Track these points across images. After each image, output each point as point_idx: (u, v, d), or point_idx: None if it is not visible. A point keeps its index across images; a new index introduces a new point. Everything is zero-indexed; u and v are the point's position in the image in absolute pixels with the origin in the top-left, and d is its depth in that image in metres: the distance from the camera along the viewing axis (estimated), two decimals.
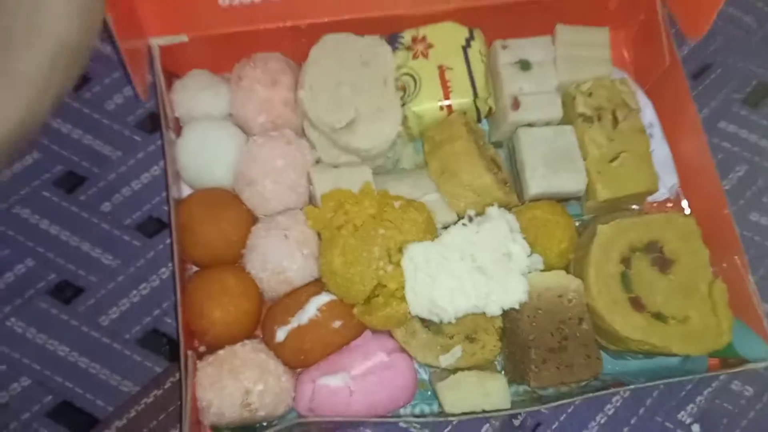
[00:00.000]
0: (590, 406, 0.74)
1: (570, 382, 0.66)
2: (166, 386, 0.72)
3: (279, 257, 0.69)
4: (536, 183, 0.74)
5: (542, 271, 0.70)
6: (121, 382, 0.72)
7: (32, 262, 0.75)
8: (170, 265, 0.76)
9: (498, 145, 0.82)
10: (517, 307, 0.66)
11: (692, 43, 0.93)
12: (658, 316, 0.68)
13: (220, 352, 0.66)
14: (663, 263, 0.70)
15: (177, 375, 0.71)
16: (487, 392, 0.66)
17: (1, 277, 0.74)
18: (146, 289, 0.75)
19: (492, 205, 0.70)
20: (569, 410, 0.74)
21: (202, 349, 0.68)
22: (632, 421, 0.74)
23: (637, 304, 0.68)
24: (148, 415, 0.70)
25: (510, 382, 0.69)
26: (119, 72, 0.83)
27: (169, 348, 0.73)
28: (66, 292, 0.75)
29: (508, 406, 0.67)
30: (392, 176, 0.76)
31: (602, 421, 0.74)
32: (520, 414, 0.72)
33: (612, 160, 0.76)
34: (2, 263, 0.75)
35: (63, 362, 0.72)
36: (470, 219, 0.69)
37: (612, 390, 0.68)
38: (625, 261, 0.69)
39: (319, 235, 0.71)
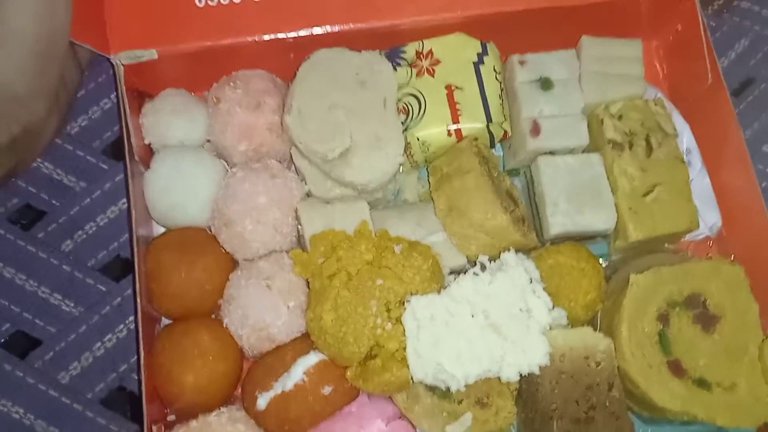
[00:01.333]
0: None
1: None
2: None
3: (261, 311, 0.61)
4: (558, 221, 0.66)
5: (565, 326, 0.61)
6: None
7: None
8: None
9: (514, 173, 0.73)
10: (536, 371, 0.58)
11: (732, 55, 0.83)
12: (701, 383, 0.61)
13: (193, 423, 0.60)
14: (706, 320, 0.62)
15: None
16: None
17: None
18: (111, 341, 0.70)
19: (508, 249, 0.63)
20: None
21: (171, 418, 0.60)
22: None
23: (676, 368, 0.61)
24: None
25: None
26: (83, 90, 0.74)
27: (133, 411, 0.66)
28: (21, 344, 0.69)
29: None
30: (393, 212, 0.68)
31: None
32: None
33: (645, 194, 0.68)
34: None
35: (17, 426, 0.66)
36: (483, 267, 0.62)
37: None
38: (663, 318, 0.62)
39: (307, 283, 0.62)
